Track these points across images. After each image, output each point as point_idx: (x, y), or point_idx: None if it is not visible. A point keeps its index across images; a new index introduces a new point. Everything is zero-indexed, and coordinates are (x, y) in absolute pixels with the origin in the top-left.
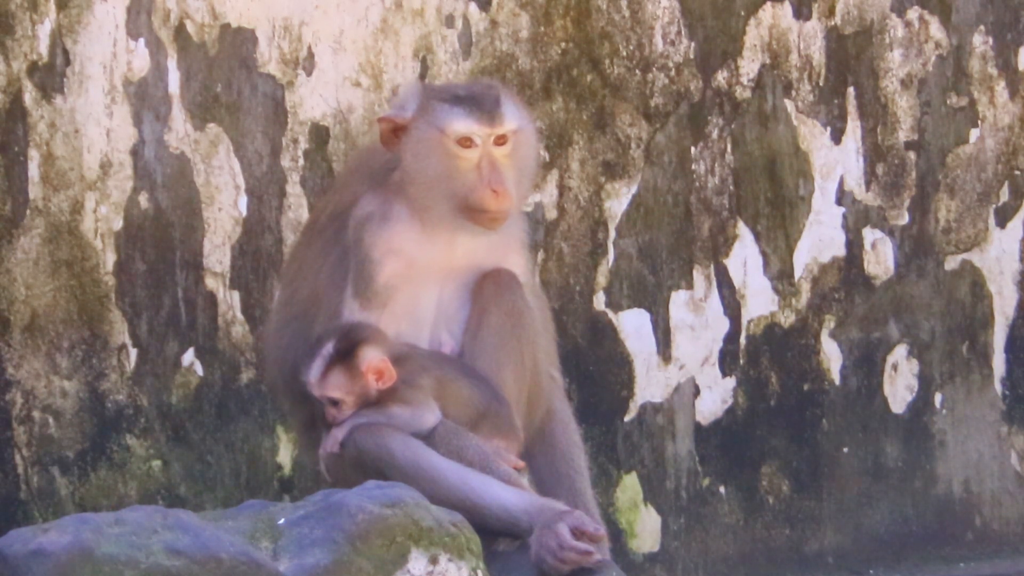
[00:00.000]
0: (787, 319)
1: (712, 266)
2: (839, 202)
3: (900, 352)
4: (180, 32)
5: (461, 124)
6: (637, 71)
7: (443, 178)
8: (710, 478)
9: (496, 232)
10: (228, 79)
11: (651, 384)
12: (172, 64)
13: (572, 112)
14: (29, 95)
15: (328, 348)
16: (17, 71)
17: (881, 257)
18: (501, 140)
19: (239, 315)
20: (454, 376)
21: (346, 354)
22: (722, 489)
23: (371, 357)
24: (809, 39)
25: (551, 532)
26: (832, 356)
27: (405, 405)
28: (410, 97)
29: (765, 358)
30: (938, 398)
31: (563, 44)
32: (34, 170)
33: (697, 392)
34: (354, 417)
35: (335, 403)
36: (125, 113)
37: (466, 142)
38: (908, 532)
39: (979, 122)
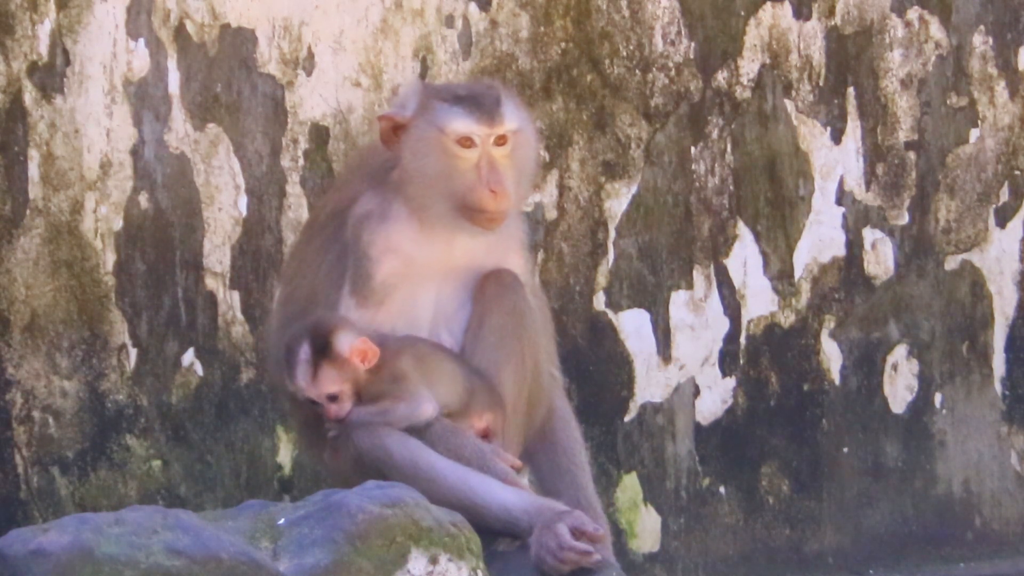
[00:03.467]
0: (787, 319)
1: (712, 266)
2: (839, 202)
3: (900, 352)
4: (180, 32)
5: (461, 124)
6: (637, 71)
7: (442, 177)
8: (710, 478)
9: (495, 232)
10: (228, 79)
11: (651, 384)
12: (172, 64)
13: (572, 112)
14: (29, 95)
15: (303, 350)
16: (17, 71)
17: (881, 257)
18: (501, 140)
19: (239, 315)
20: (431, 350)
21: (324, 347)
22: (722, 489)
23: (349, 340)
24: (809, 39)
25: (551, 532)
26: (832, 356)
27: (398, 399)
28: (410, 96)
29: (765, 358)
30: (938, 398)
31: (563, 44)
32: (34, 170)
33: (697, 392)
34: (354, 415)
35: (334, 398)
36: (125, 113)
37: (466, 142)
38: (908, 532)
39: (979, 122)
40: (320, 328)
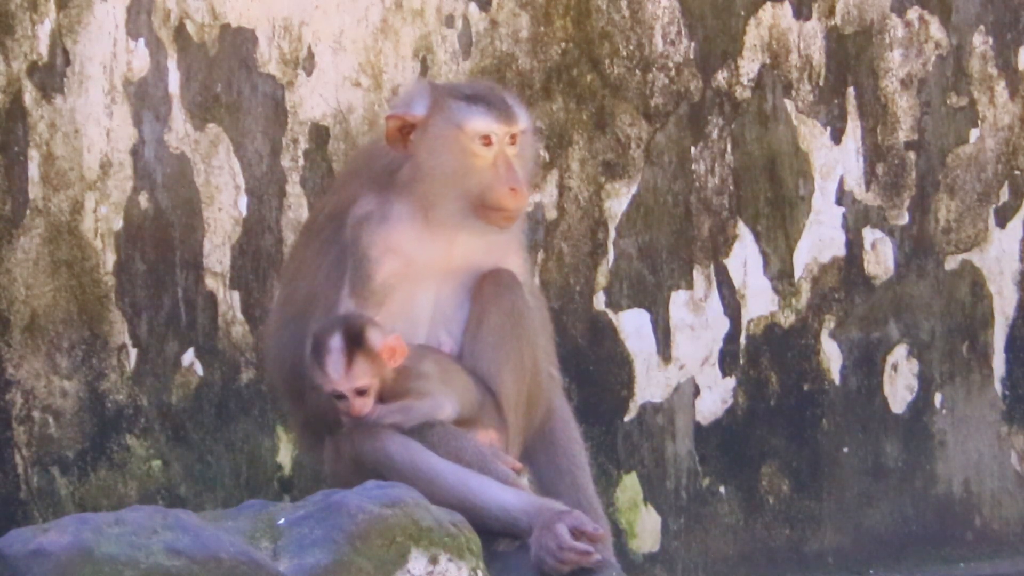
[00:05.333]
0: (787, 319)
1: (712, 266)
2: (839, 202)
3: (900, 352)
4: (180, 32)
5: (481, 122)
6: (637, 71)
7: (459, 176)
8: (710, 478)
9: (503, 231)
10: (228, 79)
11: (651, 384)
12: (172, 64)
13: (572, 112)
14: (29, 95)
15: (336, 341)
16: (17, 71)
17: (881, 257)
18: (513, 139)
19: (239, 315)
20: (450, 360)
21: (358, 340)
22: (722, 489)
23: (381, 336)
24: (809, 39)
25: (550, 532)
26: (832, 356)
27: (421, 397)
28: (419, 95)
29: (765, 358)
30: (938, 398)
31: (563, 44)
32: (34, 170)
33: (697, 392)
34: (375, 412)
35: (362, 392)
36: (125, 113)
37: (484, 140)
38: (908, 532)
39: (979, 122)
40: (352, 322)
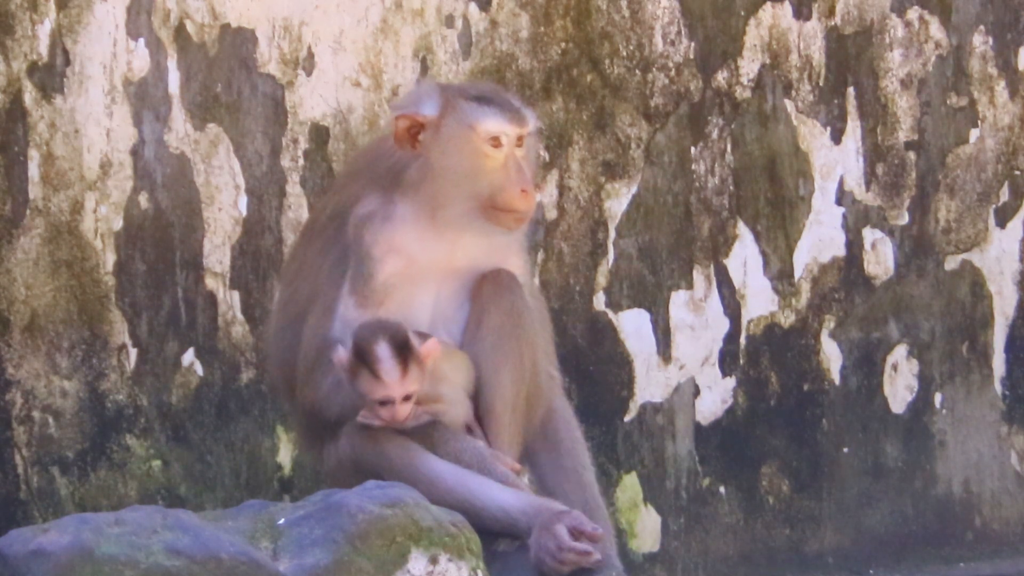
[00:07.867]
0: (787, 319)
1: (712, 266)
2: (839, 202)
3: (900, 352)
4: (180, 32)
5: (493, 123)
6: (637, 71)
7: (470, 177)
8: (710, 478)
9: (507, 233)
10: (228, 79)
11: (651, 384)
12: (172, 64)
13: (572, 112)
14: (29, 95)
15: (385, 349)
16: (17, 71)
17: (881, 257)
18: (520, 141)
19: (239, 315)
20: (452, 350)
21: (407, 346)
22: (722, 489)
23: (419, 340)
24: (809, 39)
25: (549, 533)
26: (832, 356)
27: (451, 404)
28: (429, 95)
29: (765, 358)
30: (938, 398)
31: (563, 44)
32: (34, 170)
33: (697, 392)
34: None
35: (408, 398)
36: (125, 113)
37: (495, 141)
38: (908, 532)
39: (979, 122)
40: (393, 329)
